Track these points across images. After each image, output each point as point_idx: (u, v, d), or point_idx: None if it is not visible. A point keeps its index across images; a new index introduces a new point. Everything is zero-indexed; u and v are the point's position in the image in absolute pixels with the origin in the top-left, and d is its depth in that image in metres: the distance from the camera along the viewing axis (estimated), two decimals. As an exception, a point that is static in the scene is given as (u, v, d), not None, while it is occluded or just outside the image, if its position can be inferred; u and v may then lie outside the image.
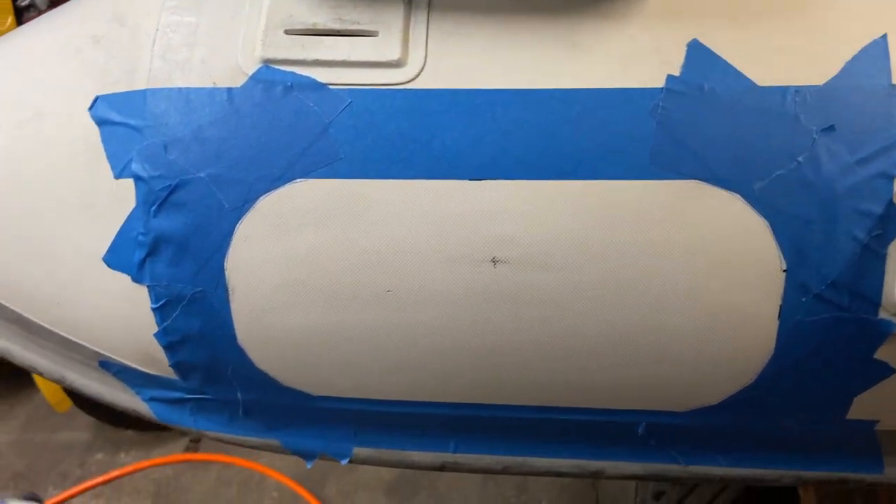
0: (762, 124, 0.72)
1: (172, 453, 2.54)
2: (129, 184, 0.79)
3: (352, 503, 2.37)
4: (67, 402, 2.41)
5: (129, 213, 0.79)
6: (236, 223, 0.77)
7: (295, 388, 0.88)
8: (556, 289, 0.76)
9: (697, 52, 0.74)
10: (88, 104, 0.81)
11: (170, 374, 0.89)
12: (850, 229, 0.72)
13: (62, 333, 0.91)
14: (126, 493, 2.43)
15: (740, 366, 0.79)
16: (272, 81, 0.77)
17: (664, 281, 0.75)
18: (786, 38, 0.74)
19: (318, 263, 0.78)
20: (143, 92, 0.79)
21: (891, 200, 0.71)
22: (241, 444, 0.99)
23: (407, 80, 0.76)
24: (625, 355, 0.79)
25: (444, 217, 0.76)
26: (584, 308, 0.77)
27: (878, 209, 0.71)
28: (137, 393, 0.97)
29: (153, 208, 0.78)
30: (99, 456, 2.56)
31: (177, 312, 0.82)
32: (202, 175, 0.77)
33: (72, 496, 2.39)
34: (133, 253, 0.80)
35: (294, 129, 0.76)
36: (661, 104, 0.73)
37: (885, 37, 0.73)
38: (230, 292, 0.80)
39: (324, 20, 0.78)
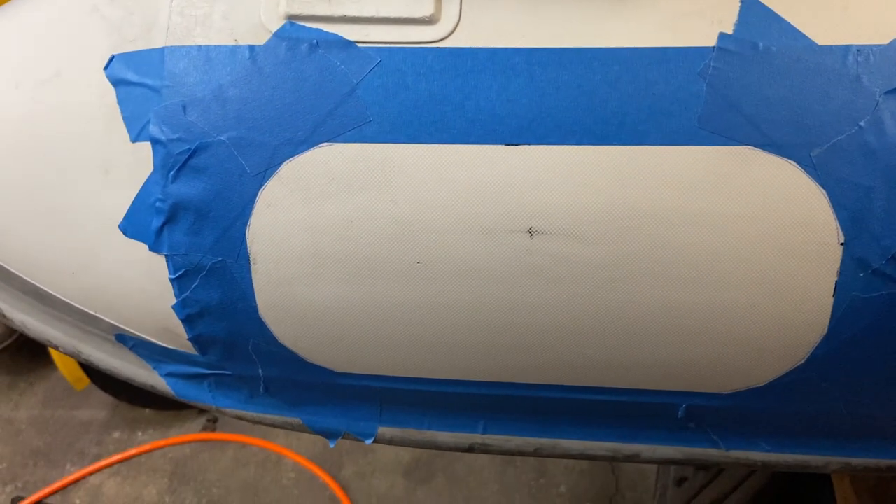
0: (821, 86, 0.68)
1: (190, 433, 2.55)
2: (147, 147, 0.76)
3: (369, 485, 2.36)
4: (85, 380, 2.42)
5: (146, 178, 0.76)
6: (258, 189, 0.74)
7: (318, 364, 0.85)
8: (596, 262, 0.72)
9: (752, 9, 0.70)
10: (104, 63, 0.77)
11: (188, 348, 0.87)
12: None
13: (77, 305, 0.88)
14: (143, 471, 2.44)
15: (790, 345, 0.75)
16: (297, 39, 0.73)
17: (711, 254, 0.71)
18: (848, -7, 0.69)
19: (344, 233, 0.74)
20: (161, 50, 0.75)
21: (960, 168, 0.66)
22: (261, 422, 0.96)
23: (440, 37, 0.72)
24: (667, 333, 0.75)
25: (478, 185, 0.72)
26: (625, 283, 0.73)
27: None
28: (155, 368, 0.95)
29: (171, 173, 0.75)
30: (116, 434, 2.56)
31: (196, 283, 0.79)
32: (223, 138, 0.73)
33: (89, 474, 2.41)
34: (150, 220, 0.77)
35: (320, 89, 0.72)
36: (712, 64, 0.69)
37: None
38: (252, 262, 0.77)
39: (352, -26, 0.74)
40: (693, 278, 0.72)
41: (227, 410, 0.95)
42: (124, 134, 0.77)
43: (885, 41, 0.68)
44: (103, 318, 0.88)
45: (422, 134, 0.72)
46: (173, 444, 2.51)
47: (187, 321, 0.83)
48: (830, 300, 0.72)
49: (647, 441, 0.90)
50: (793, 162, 0.68)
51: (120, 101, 0.77)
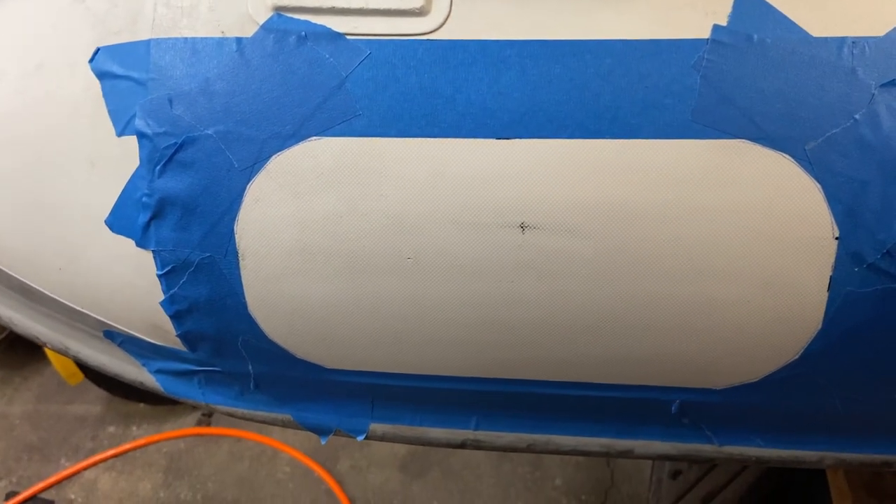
0: (816, 78, 0.67)
1: (185, 427, 2.54)
2: (133, 141, 0.74)
3: (364, 479, 2.36)
4: (79, 375, 2.42)
5: (132, 172, 0.75)
6: (246, 184, 0.73)
7: (308, 360, 0.84)
8: (588, 256, 0.72)
9: (746, 1, 0.69)
10: (89, 56, 0.76)
11: (177, 344, 0.86)
12: None
13: (65, 301, 0.87)
14: (138, 465, 2.43)
15: (784, 340, 0.74)
16: (285, 31, 0.72)
17: (705, 248, 0.70)
18: (843, -16, 0.68)
19: (333, 228, 0.73)
20: (147, 42, 0.74)
21: (956, 161, 0.65)
22: (251, 419, 0.96)
23: (430, 29, 0.71)
24: (660, 328, 0.75)
25: (469, 179, 0.71)
26: (617, 277, 0.72)
27: None
28: (144, 364, 0.94)
29: (158, 168, 0.74)
30: (111, 429, 2.56)
31: (184, 279, 0.78)
32: (210, 132, 0.72)
33: (84, 468, 2.40)
34: (137, 215, 0.76)
35: (308, 82, 0.71)
36: (705, 56, 0.68)
37: None
38: (240, 258, 0.76)
39: (340, -36, 0.73)
40: (686, 273, 0.72)
41: (218, 407, 0.95)
42: (110, 128, 0.76)
43: (881, 33, 0.67)
44: (91, 314, 0.87)
45: (412, 127, 0.71)
46: (168, 439, 2.51)
47: (176, 317, 0.82)
48: (825, 295, 0.71)
49: (641, 437, 0.89)
50: (787, 155, 0.68)
51: (105, 95, 0.76)
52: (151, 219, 0.76)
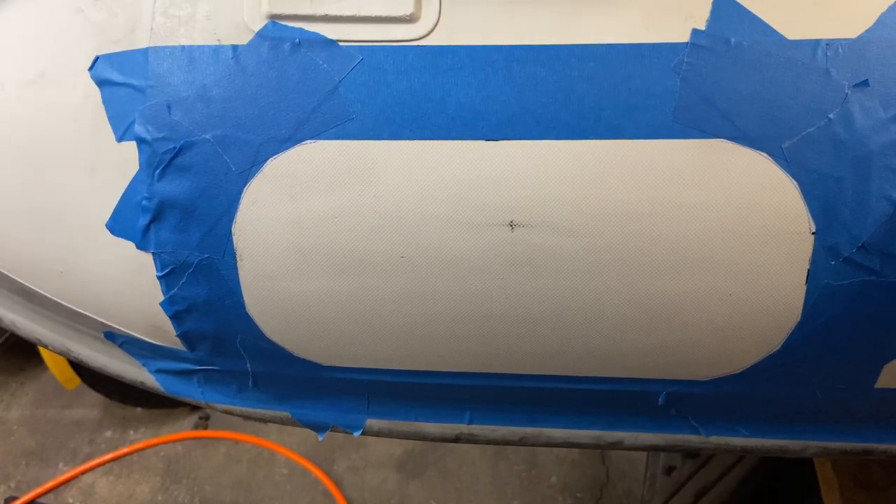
0: (791, 79, 0.69)
1: (182, 430, 2.55)
2: (132, 147, 0.76)
3: (361, 479, 2.37)
4: (76, 380, 2.42)
5: (132, 177, 0.77)
6: (243, 187, 0.75)
7: (305, 358, 0.86)
8: (575, 253, 0.74)
9: (723, 5, 0.71)
10: (89, 64, 0.78)
11: (176, 344, 0.87)
12: (883, 189, 0.69)
13: (66, 304, 0.89)
14: (136, 469, 2.44)
15: (765, 332, 0.77)
16: (279, 38, 0.74)
17: (687, 244, 0.73)
18: (816, -12, 0.71)
19: (328, 228, 0.75)
20: (145, 50, 0.76)
21: (927, 159, 0.68)
22: (250, 417, 0.97)
23: (420, 35, 0.73)
24: (646, 322, 0.77)
25: (459, 180, 0.73)
26: (604, 273, 0.74)
27: None
28: (144, 364, 0.95)
29: (157, 172, 0.76)
30: (108, 433, 2.57)
31: (183, 280, 0.80)
32: (208, 137, 0.74)
33: (82, 473, 2.41)
34: (137, 219, 0.78)
35: (303, 88, 0.73)
36: (685, 59, 0.70)
37: None
38: (238, 259, 0.78)
39: (332, -27, 0.75)
40: (670, 268, 0.74)
41: (217, 405, 0.96)
42: (110, 134, 0.77)
43: (854, 35, 0.69)
44: (92, 315, 0.89)
45: (403, 130, 0.73)
46: (165, 443, 2.51)
47: (175, 318, 0.83)
48: (803, 288, 0.73)
49: (630, 428, 0.91)
50: (764, 154, 0.70)
51: (105, 102, 0.77)
52: (151, 222, 0.78)
